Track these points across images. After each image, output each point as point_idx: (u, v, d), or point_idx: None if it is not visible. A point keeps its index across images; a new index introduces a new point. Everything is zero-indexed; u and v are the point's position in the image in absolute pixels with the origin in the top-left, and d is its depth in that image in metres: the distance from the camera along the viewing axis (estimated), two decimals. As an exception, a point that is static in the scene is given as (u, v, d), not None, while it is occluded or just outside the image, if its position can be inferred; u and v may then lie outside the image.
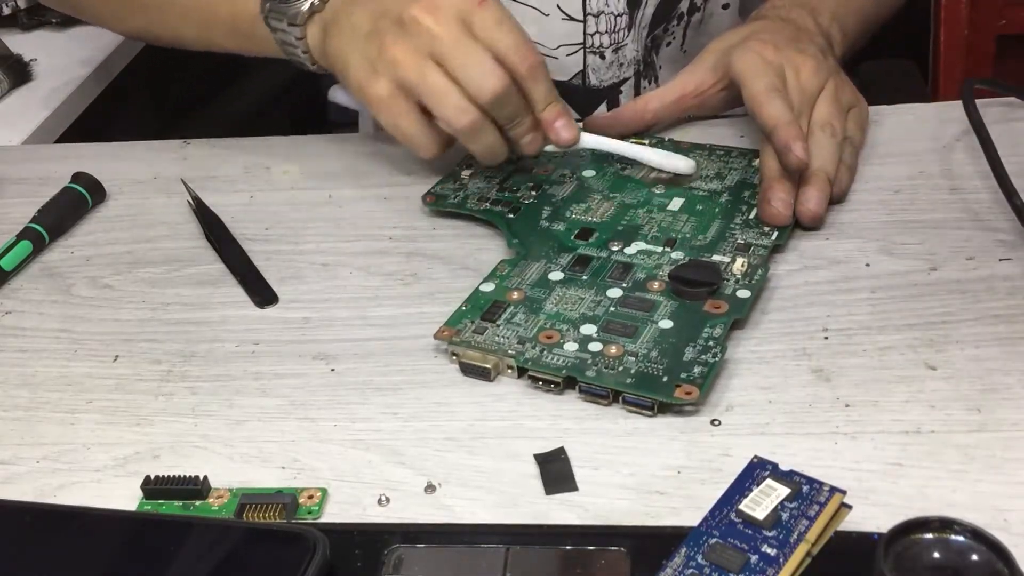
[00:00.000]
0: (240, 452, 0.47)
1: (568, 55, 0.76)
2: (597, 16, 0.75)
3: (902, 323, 0.50)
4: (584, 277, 0.54)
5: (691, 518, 0.40)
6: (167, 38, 0.75)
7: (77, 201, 0.66)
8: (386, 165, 0.68)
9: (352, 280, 0.58)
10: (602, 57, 0.77)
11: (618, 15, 0.75)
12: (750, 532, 0.38)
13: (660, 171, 0.62)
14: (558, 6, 0.75)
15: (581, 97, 0.78)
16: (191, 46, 0.73)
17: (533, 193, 0.62)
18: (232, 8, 0.68)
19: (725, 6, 0.80)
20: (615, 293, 0.53)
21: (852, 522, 0.40)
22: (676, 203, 0.60)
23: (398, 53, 0.58)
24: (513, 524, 0.42)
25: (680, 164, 0.62)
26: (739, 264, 0.54)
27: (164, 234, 0.64)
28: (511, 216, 0.60)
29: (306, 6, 0.63)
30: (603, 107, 0.79)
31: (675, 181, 0.62)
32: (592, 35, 0.76)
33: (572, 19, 0.75)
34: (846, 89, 0.63)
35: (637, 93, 0.79)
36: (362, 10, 0.61)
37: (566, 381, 0.48)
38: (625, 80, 0.79)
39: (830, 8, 0.70)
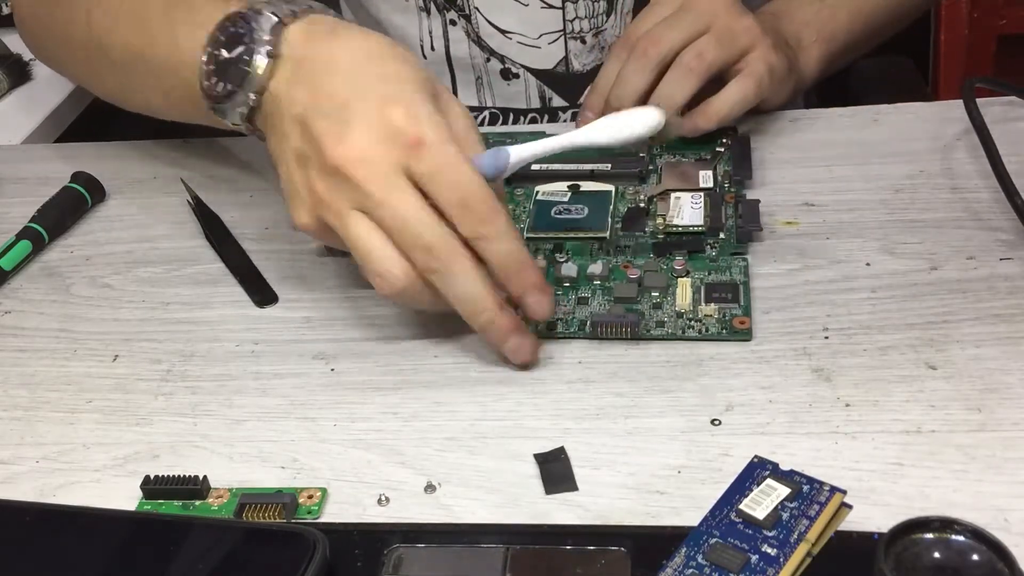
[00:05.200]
0: (240, 452, 0.47)
1: (550, 43, 0.77)
2: (575, 2, 0.75)
3: (902, 323, 0.50)
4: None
5: (691, 518, 0.40)
6: (138, 103, 0.66)
7: (77, 201, 0.66)
8: (386, 165, 0.68)
9: (352, 280, 0.58)
10: (583, 42, 0.77)
11: (595, 0, 0.75)
12: (750, 532, 0.38)
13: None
14: None
15: (566, 83, 0.78)
16: (164, 115, 0.65)
17: None
18: (183, 89, 0.57)
19: None
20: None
21: (852, 522, 0.40)
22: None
23: (323, 193, 0.49)
24: (513, 524, 0.42)
25: (638, 125, 0.52)
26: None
27: (164, 234, 0.64)
28: None
29: (245, 110, 0.53)
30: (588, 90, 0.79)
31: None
32: (571, 21, 0.76)
33: (551, 6, 0.75)
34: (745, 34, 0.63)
35: None
36: (290, 121, 0.51)
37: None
38: None
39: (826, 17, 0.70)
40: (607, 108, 0.63)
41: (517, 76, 0.78)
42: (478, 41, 0.77)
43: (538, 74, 0.78)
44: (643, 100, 0.63)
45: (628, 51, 0.64)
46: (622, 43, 0.65)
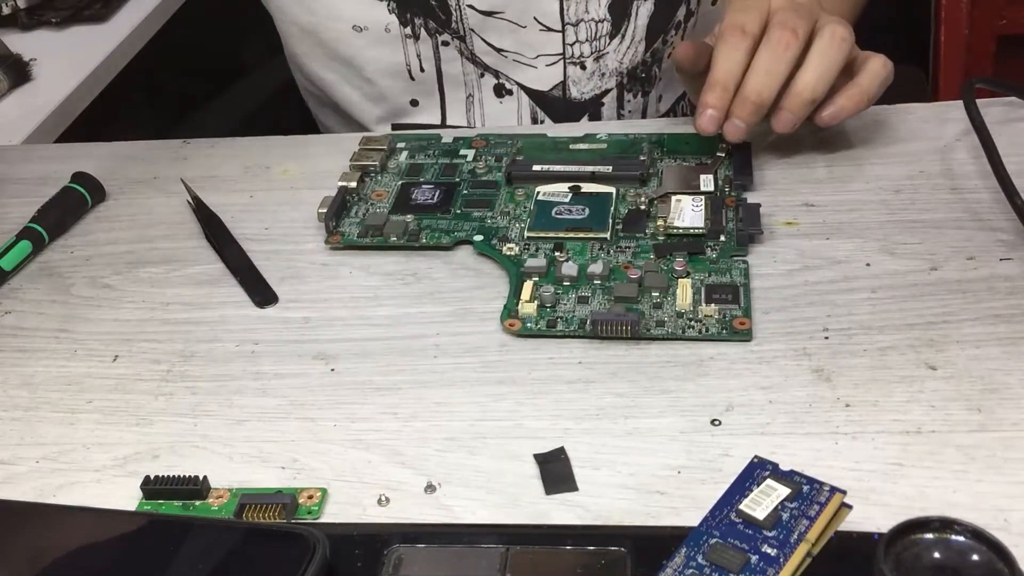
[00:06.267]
0: (240, 452, 0.47)
1: (547, 65, 0.76)
2: (576, 25, 0.74)
3: (902, 323, 0.50)
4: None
5: (691, 518, 0.40)
6: None
7: (77, 201, 0.66)
8: (386, 165, 0.68)
9: (352, 280, 0.58)
10: (583, 67, 0.76)
11: (599, 21, 0.75)
12: (750, 532, 0.38)
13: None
14: (535, 18, 0.74)
15: (560, 109, 0.78)
16: None
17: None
18: None
19: (713, 1, 0.80)
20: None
21: (852, 522, 0.40)
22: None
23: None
24: (513, 524, 0.42)
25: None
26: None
27: (164, 234, 0.64)
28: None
29: None
30: (585, 119, 0.79)
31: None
32: (571, 44, 0.75)
33: (550, 29, 0.75)
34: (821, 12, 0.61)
35: (620, 106, 0.79)
36: None
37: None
38: (607, 92, 0.78)
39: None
40: (741, 102, 0.60)
41: (511, 93, 0.77)
42: (472, 59, 0.76)
43: (532, 94, 0.78)
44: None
45: (750, 39, 0.59)
46: (735, 34, 0.60)
